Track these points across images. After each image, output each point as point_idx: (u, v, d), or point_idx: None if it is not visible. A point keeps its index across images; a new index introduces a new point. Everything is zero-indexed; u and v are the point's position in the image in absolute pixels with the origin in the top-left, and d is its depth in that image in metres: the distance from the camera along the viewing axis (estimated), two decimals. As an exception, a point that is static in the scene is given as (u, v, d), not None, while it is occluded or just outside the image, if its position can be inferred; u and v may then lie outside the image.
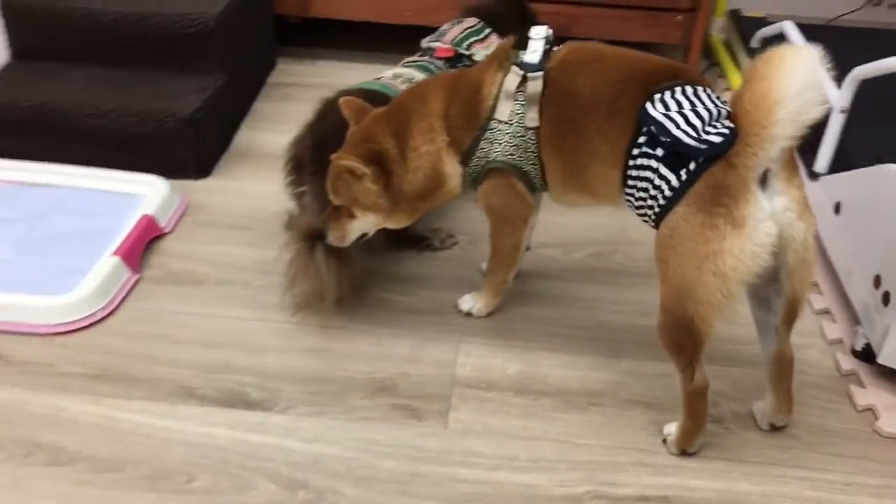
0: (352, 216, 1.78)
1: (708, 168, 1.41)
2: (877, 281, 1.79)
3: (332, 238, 1.81)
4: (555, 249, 2.23)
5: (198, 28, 2.50)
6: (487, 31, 2.26)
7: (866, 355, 1.84)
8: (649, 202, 1.51)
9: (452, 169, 1.74)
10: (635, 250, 2.24)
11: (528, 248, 2.10)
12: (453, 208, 2.35)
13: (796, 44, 1.35)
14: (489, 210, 1.81)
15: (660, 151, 1.48)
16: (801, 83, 1.30)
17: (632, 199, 1.58)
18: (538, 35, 1.67)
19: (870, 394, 1.79)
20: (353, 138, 1.75)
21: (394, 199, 1.75)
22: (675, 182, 1.45)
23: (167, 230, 2.25)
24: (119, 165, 2.39)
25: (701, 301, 1.44)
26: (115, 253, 2.05)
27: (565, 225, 2.30)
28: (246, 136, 2.73)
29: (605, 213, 2.35)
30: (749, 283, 1.42)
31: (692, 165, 1.43)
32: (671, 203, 1.46)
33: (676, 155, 1.45)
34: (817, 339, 1.94)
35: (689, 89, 1.50)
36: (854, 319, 1.92)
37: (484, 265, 2.11)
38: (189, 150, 2.43)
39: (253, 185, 2.46)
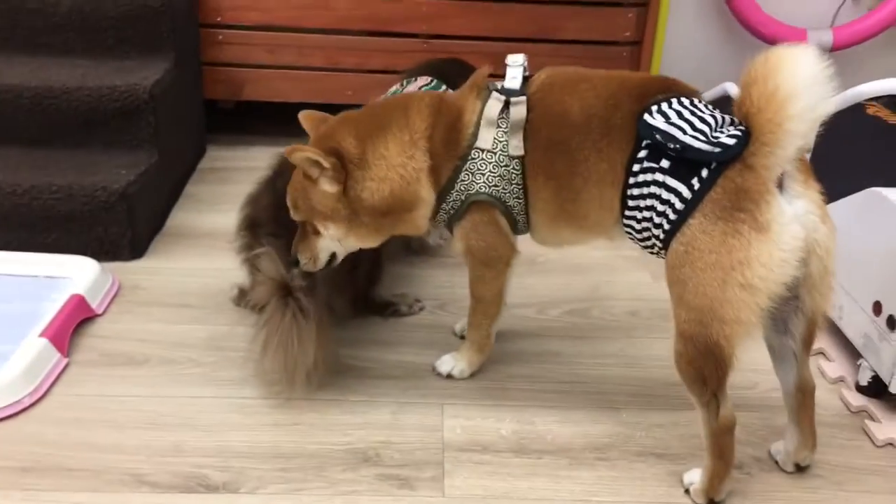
0: (317, 233, 1.63)
1: (723, 173, 1.32)
2: (877, 308, 1.72)
3: (304, 262, 1.66)
4: (528, 309, 2.09)
5: (128, 101, 2.34)
6: (444, 87, 2.19)
7: (873, 389, 1.75)
8: (657, 220, 1.40)
9: (428, 195, 1.60)
10: (611, 304, 2.13)
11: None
12: (418, 274, 2.22)
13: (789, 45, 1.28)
14: (469, 253, 1.67)
15: (665, 163, 1.38)
16: (808, 77, 1.24)
17: (633, 222, 1.46)
18: (515, 62, 1.59)
19: (887, 427, 1.68)
20: (314, 141, 1.62)
21: (352, 207, 1.59)
22: (686, 193, 1.35)
23: (99, 312, 2.01)
24: (45, 248, 2.17)
25: (727, 320, 1.31)
26: (42, 334, 1.80)
27: (535, 285, 2.18)
28: (180, 217, 2.54)
29: (575, 271, 2.27)
30: (777, 297, 1.31)
31: (704, 172, 1.34)
32: (684, 216, 1.35)
33: (686, 163, 1.36)
34: (819, 379, 1.81)
35: (685, 100, 1.43)
36: (853, 354, 1.84)
37: (458, 327, 1.96)
38: (121, 228, 2.22)
39: (191, 264, 2.26)
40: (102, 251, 2.22)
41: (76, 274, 2.05)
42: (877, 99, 2.68)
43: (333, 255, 1.69)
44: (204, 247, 2.35)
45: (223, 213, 2.53)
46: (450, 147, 1.58)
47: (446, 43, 2.88)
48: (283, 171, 1.85)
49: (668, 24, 3.10)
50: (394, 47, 2.89)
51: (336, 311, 1.94)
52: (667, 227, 1.39)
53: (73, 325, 1.90)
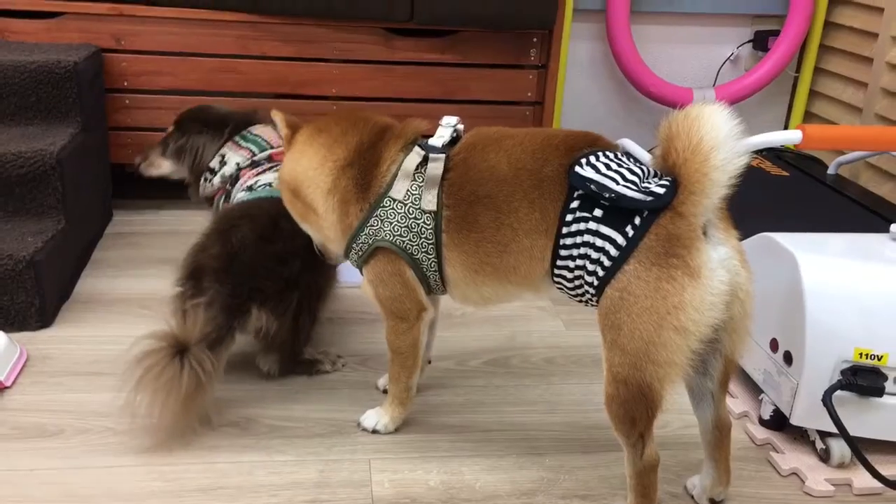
0: None
1: (655, 221, 1.39)
2: (774, 345, 1.84)
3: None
4: (449, 361, 2.13)
5: (35, 168, 2.29)
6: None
7: (776, 422, 1.86)
8: (590, 267, 1.46)
9: (325, 212, 1.70)
10: (529, 353, 2.19)
11: (429, 362, 2.00)
12: (338, 331, 2.23)
13: (704, 103, 1.39)
14: (377, 301, 1.71)
15: (598, 212, 1.44)
16: (725, 132, 1.35)
17: (565, 271, 1.51)
18: (448, 123, 1.66)
19: (789, 458, 1.79)
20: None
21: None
22: (621, 240, 1.41)
23: (7, 384, 1.94)
24: (-57, 320, 2.08)
25: (661, 362, 1.38)
26: (-52, 409, 1.73)
27: (454, 338, 2.23)
28: (88, 283, 2.48)
29: (491, 323, 2.33)
30: (706, 339, 1.39)
31: (637, 220, 1.40)
32: (619, 262, 1.41)
33: (619, 212, 1.42)
34: (724, 415, 1.94)
35: (609, 154, 1.50)
36: (754, 390, 1.95)
37: (381, 382, 1.99)
38: (28, 296, 2.15)
39: (102, 332, 2.21)
40: (8, 321, 2.15)
41: (-19, 345, 1.98)
42: (758, 151, 2.89)
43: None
44: (115, 313, 2.31)
45: (133, 279, 2.50)
46: (361, 189, 1.65)
47: (356, 105, 2.96)
48: (233, 224, 1.89)
49: (565, 86, 3.28)
50: (303, 109, 2.93)
51: (266, 370, 1.95)
52: (601, 273, 1.44)
53: (-19, 398, 1.84)
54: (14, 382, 1.96)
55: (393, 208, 1.62)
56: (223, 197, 2.18)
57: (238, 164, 2.17)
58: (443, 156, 1.60)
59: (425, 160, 1.61)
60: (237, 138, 2.22)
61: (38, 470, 1.67)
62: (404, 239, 1.62)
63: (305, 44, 2.88)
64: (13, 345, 2.04)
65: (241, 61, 2.88)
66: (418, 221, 1.61)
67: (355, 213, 1.66)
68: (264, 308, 1.82)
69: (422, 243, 1.62)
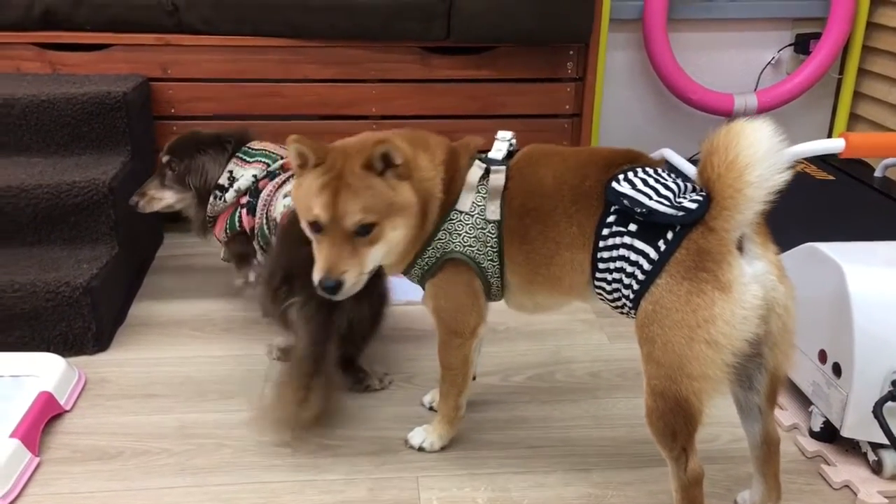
0: (374, 241, 1.57)
1: (687, 235, 1.41)
2: (822, 356, 1.82)
3: (352, 280, 1.56)
4: (493, 377, 2.15)
5: (88, 196, 2.37)
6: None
7: (826, 434, 1.84)
8: (626, 281, 1.48)
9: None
10: (573, 367, 2.20)
11: (473, 378, 2.01)
12: (383, 349, 2.26)
13: (748, 119, 1.39)
14: (436, 314, 1.74)
15: (633, 227, 1.47)
16: (765, 149, 1.34)
17: (604, 284, 1.54)
18: (504, 137, 1.70)
19: (841, 470, 1.77)
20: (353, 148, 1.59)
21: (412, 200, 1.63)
22: (653, 254, 1.43)
23: (67, 408, 2.01)
24: (8, 347, 2.16)
25: (695, 376, 1.39)
26: (13, 435, 1.79)
27: (498, 353, 2.25)
28: (142, 307, 2.54)
29: (535, 337, 2.34)
30: (740, 353, 1.39)
31: (670, 235, 1.42)
32: (651, 276, 1.43)
33: (652, 226, 1.44)
34: (773, 427, 1.92)
35: (649, 170, 1.52)
36: (804, 402, 1.93)
37: (427, 398, 2.01)
38: (85, 322, 2.22)
39: (156, 354, 2.27)
40: (66, 346, 2.22)
41: (42, 371, 2.05)
42: (803, 156, 2.86)
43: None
44: (168, 335, 2.37)
45: (184, 301, 2.57)
46: (441, 202, 1.66)
47: (396, 123, 2.99)
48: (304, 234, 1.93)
49: (603, 97, 3.28)
50: (345, 129, 2.93)
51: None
52: (636, 287, 1.46)
53: (43, 423, 1.90)
54: (73, 406, 2.02)
55: (461, 220, 1.66)
56: (239, 209, 2.25)
57: (255, 175, 2.24)
58: (504, 167, 1.64)
59: (486, 173, 1.65)
60: (241, 154, 2.29)
61: (98, 493, 1.73)
62: (473, 249, 1.66)
63: (345, 66, 2.93)
64: (71, 369, 2.11)
65: (283, 85, 2.94)
66: (484, 231, 1.65)
67: (427, 227, 1.67)
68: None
69: (487, 252, 1.66)
